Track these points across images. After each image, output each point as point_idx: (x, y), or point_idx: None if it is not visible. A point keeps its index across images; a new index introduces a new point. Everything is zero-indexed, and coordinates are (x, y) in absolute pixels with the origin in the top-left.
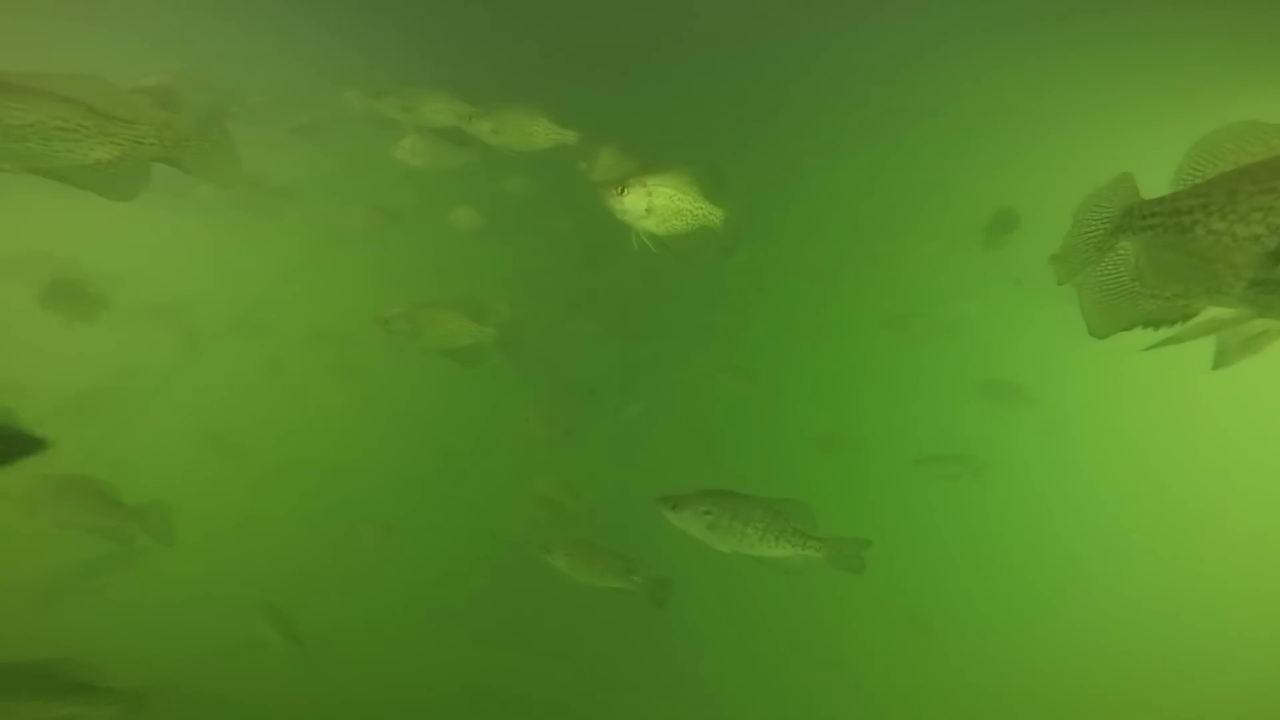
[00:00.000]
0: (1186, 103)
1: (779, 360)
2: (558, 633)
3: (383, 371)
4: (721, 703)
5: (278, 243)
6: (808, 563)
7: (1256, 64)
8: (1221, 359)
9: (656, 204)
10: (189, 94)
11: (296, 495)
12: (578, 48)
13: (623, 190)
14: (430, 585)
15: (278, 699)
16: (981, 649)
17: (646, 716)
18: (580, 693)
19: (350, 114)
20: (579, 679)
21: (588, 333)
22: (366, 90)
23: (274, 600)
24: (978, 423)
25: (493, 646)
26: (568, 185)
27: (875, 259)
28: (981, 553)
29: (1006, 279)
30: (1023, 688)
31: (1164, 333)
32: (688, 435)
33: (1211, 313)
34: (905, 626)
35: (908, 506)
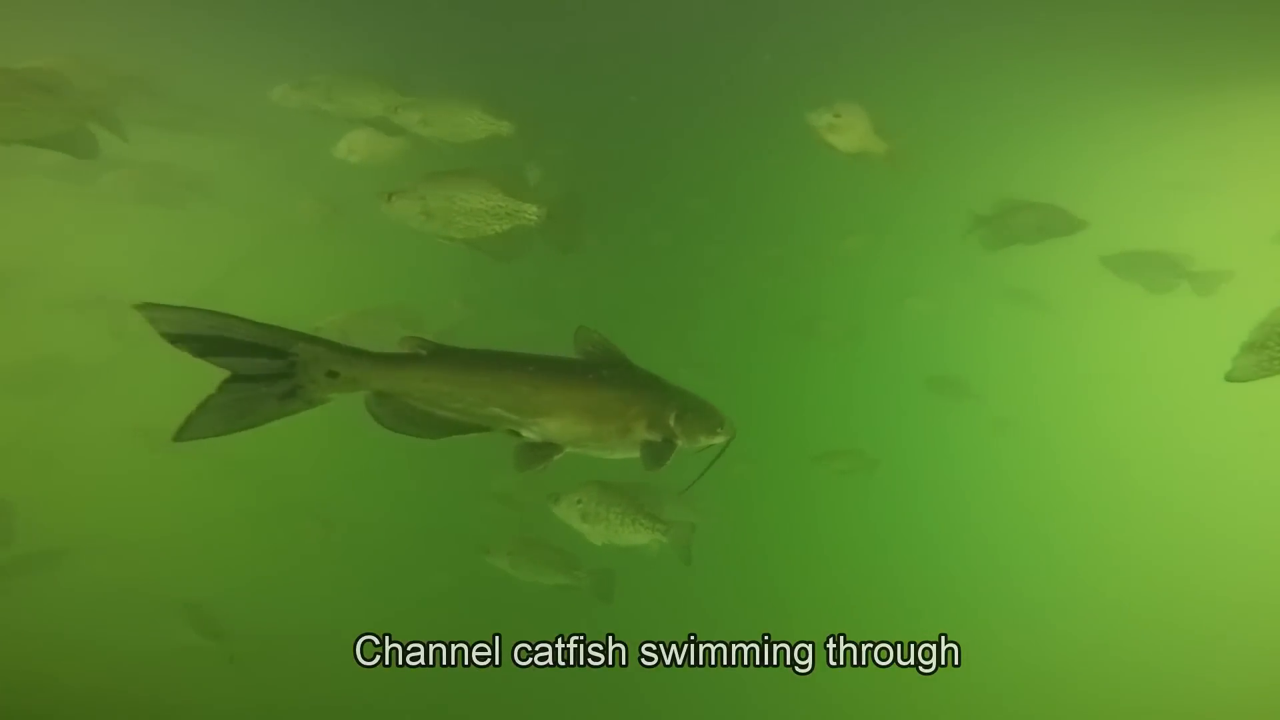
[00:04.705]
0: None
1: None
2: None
3: None
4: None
5: (214, 237)
6: (661, 548)
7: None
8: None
9: (434, 207)
10: (78, 79)
11: (238, 493)
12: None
13: (390, 197)
14: (385, 584)
15: (205, 704)
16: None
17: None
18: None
19: (281, 105)
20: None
21: (540, 330)
22: (293, 82)
23: (213, 602)
24: (931, 418)
25: (458, 642)
26: None
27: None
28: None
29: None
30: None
31: None
32: None
33: None
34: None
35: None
